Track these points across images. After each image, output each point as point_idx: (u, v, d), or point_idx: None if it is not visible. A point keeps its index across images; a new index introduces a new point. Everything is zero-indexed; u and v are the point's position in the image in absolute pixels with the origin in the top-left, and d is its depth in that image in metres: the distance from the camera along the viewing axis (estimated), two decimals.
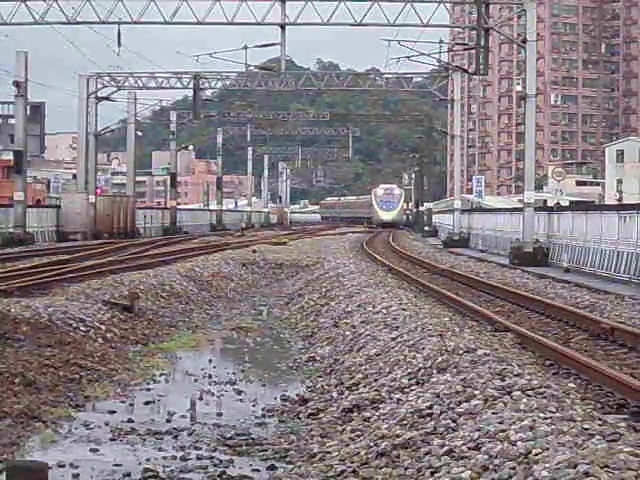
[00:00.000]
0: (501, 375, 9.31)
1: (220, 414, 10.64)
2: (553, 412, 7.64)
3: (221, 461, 8.58)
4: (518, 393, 8.42)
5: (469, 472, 6.61)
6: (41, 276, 21.48)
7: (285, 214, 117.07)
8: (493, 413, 7.85)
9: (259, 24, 38.86)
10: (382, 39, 45.00)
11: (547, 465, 6.19)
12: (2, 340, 12.83)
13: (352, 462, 7.84)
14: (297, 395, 11.50)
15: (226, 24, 39.01)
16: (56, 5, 38.14)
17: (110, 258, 30.18)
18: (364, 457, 7.85)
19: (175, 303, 20.87)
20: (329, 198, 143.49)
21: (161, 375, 12.96)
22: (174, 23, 39.36)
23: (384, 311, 16.11)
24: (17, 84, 43.28)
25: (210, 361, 14.32)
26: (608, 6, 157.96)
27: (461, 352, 10.86)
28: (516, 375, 9.29)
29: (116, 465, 8.34)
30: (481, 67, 35.18)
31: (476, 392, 8.68)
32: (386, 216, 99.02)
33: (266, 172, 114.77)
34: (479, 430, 7.40)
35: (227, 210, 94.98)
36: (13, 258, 30.59)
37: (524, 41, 35.33)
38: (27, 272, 22.79)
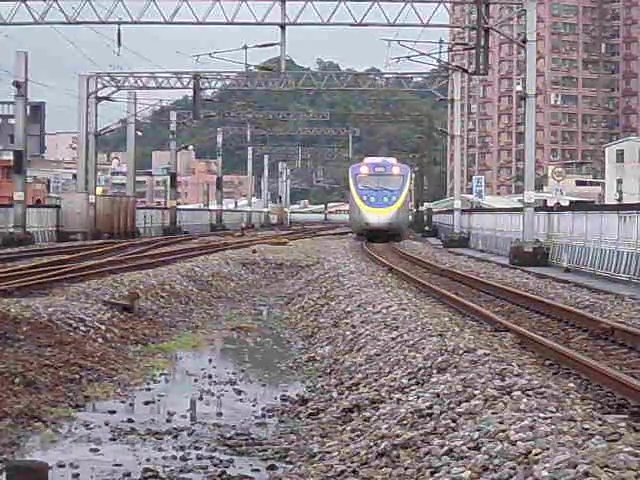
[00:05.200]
0: (501, 375, 9.31)
1: (220, 414, 10.64)
2: (553, 412, 7.63)
3: (221, 461, 8.58)
4: (518, 393, 8.41)
5: (469, 472, 6.61)
6: (41, 276, 21.48)
7: (285, 214, 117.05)
8: (493, 413, 7.84)
9: (259, 24, 38.89)
10: (382, 39, 45.11)
11: (547, 465, 6.19)
12: (2, 340, 12.83)
13: (352, 462, 7.84)
14: (297, 395, 11.50)
15: (226, 24, 39.03)
16: (56, 5, 38.17)
17: (110, 258, 30.18)
18: (364, 457, 7.85)
19: (175, 303, 20.87)
20: None
21: (161, 375, 12.96)
22: (174, 23, 39.38)
23: (384, 311, 16.11)
24: (17, 84, 43.29)
25: (210, 361, 14.32)
26: (608, 6, 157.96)
27: (461, 352, 10.85)
28: (516, 375, 9.29)
29: (116, 465, 8.34)
30: (481, 67, 35.19)
31: (476, 392, 8.67)
32: (376, 218, 54.68)
33: (266, 172, 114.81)
34: (479, 430, 7.40)
35: (227, 210, 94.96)
36: (13, 258, 30.59)
37: (524, 41, 35.34)
38: (27, 272, 22.78)
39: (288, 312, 21.16)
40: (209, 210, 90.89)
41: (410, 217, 65.35)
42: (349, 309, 17.81)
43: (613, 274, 26.14)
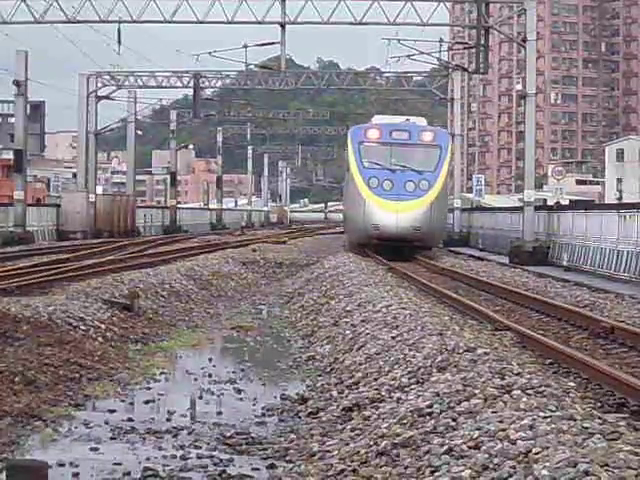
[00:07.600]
0: (501, 374, 9.30)
1: (220, 413, 10.63)
2: (553, 411, 7.63)
3: (221, 460, 8.56)
4: (518, 392, 8.41)
5: (469, 471, 6.60)
6: (41, 275, 21.48)
7: (285, 213, 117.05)
8: (493, 412, 7.84)
9: (259, 23, 38.87)
10: (382, 38, 45.10)
11: (547, 464, 6.19)
12: (2, 339, 12.83)
13: (352, 461, 7.83)
14: (297, 394, 11.49)
15: (226, 23, 39.03)
16: (56, 4, 38.18)
17: (110, 257, 30.16)
18: (364, 456, 7.85)
19: (175, 302, 20.86)
20: None
21: (161, 374, 12.94)
22: (174, 22, 39.38)
23: (384, 310, 16.09)
24: (17, 83, 43.27)
25: (210, 360, 14.31)
26: (608, 5, 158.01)
27: (461, 351, 10.85)
28: (516, 374, 9.29)
29: (116, 464, 8.33)
30: (481, 66, 35.20)
31: (476, 391, 8.67)
32: (392, 218, 32.89)
33: (266, 171, 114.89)
34: (479, 429, 7.40)
35: (227, 209, 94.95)
36: (13, 257, 30.56)
37: (524, 40, 35.33)
38: (27, 271, 22.77)
39: (288, 311, 21.15)
40: (209, 209, 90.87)
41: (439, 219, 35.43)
42: (349, 308, 17.79)
43: (613, 273, 26.13)
